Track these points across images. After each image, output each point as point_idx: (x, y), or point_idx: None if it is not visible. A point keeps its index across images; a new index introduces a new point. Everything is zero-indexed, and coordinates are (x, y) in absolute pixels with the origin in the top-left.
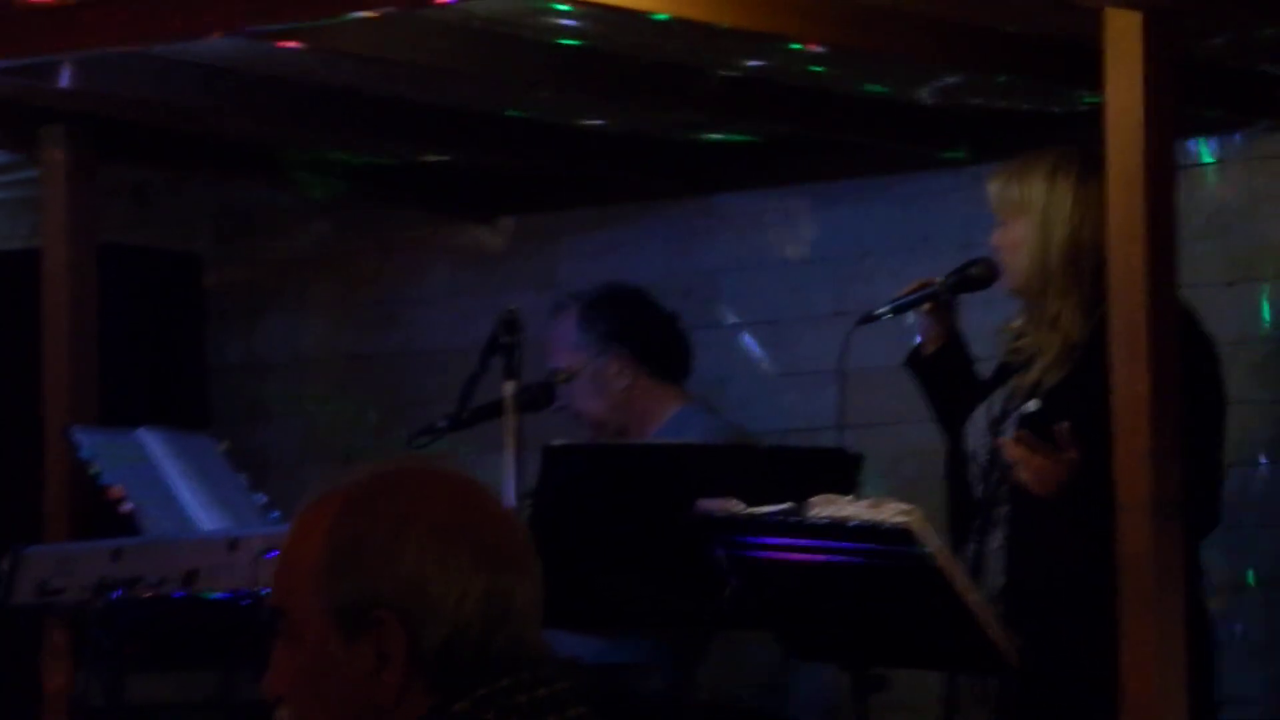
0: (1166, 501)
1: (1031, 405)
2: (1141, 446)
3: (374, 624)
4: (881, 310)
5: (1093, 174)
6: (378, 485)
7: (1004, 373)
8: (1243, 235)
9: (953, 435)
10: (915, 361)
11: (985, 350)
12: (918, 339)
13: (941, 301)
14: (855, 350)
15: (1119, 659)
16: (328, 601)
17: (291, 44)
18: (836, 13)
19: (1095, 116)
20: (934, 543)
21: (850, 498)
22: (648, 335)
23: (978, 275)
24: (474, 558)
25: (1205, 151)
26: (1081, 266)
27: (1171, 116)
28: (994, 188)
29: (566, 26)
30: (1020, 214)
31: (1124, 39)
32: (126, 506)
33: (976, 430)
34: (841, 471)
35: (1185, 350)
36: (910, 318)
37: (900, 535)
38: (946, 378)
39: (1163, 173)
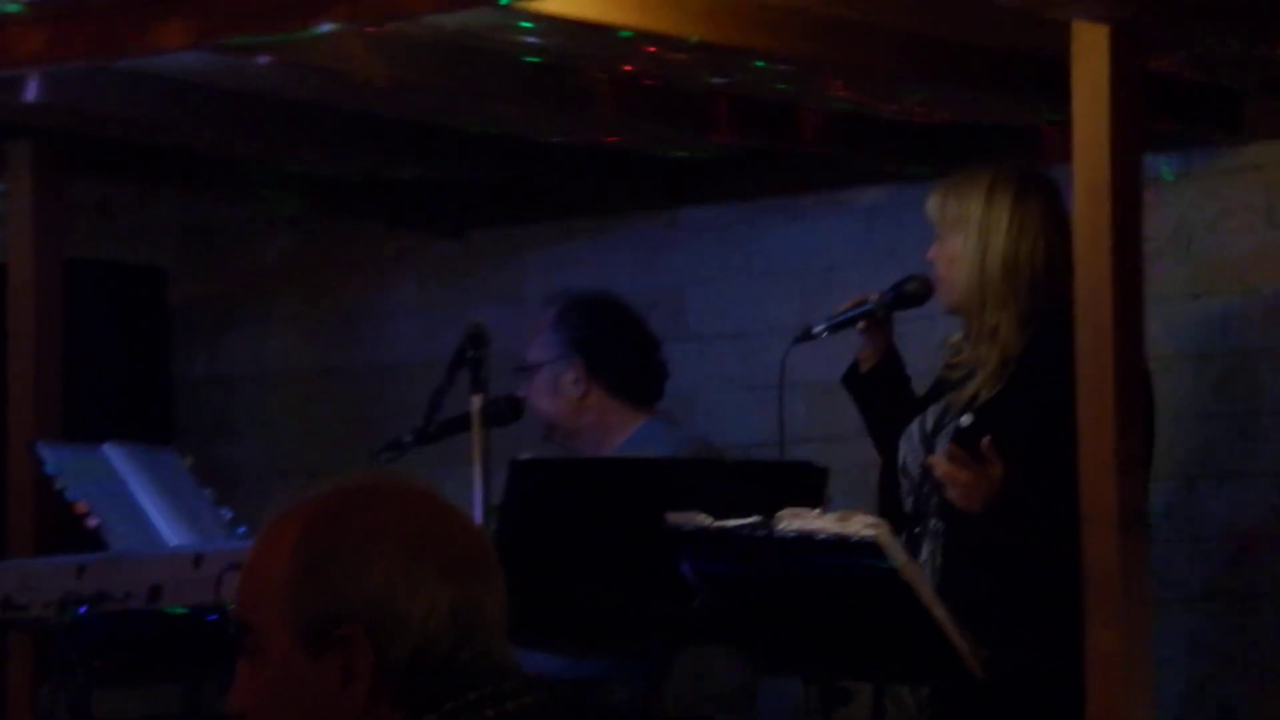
0: (1132, 513)
1: (965, 420)
2: (1107, 459)
3: (340, 639)
4: (818, 328)
5: (1030, 190)
6: (342, 500)
7: (940, 388)
8: (1206, 250)
9: (885, 451)
10: (851, 379)
11: (926, 366)
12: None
13: (878, 319)
14: (820, 363)
15: (1084, 669)
16: (293, 616)
17: (258, 58)
18: (803, 27)
19: (1061, 130)
20: (901, 556)
21: (817, 511)
22: (613, 353)
23: (913, 292)
24: (440, 571)
25: (1168, 167)
26: (1018, 280)
27: (1138, 130)
28: (932, 203)
29: (532, 42)
30: (958, 229)
31: (1091, 53)
32: (92, 522)
33: (910, 444)
34: (808, 485)
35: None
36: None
37: (868, 548)
38: (882, 394)
39: (1129, 186)
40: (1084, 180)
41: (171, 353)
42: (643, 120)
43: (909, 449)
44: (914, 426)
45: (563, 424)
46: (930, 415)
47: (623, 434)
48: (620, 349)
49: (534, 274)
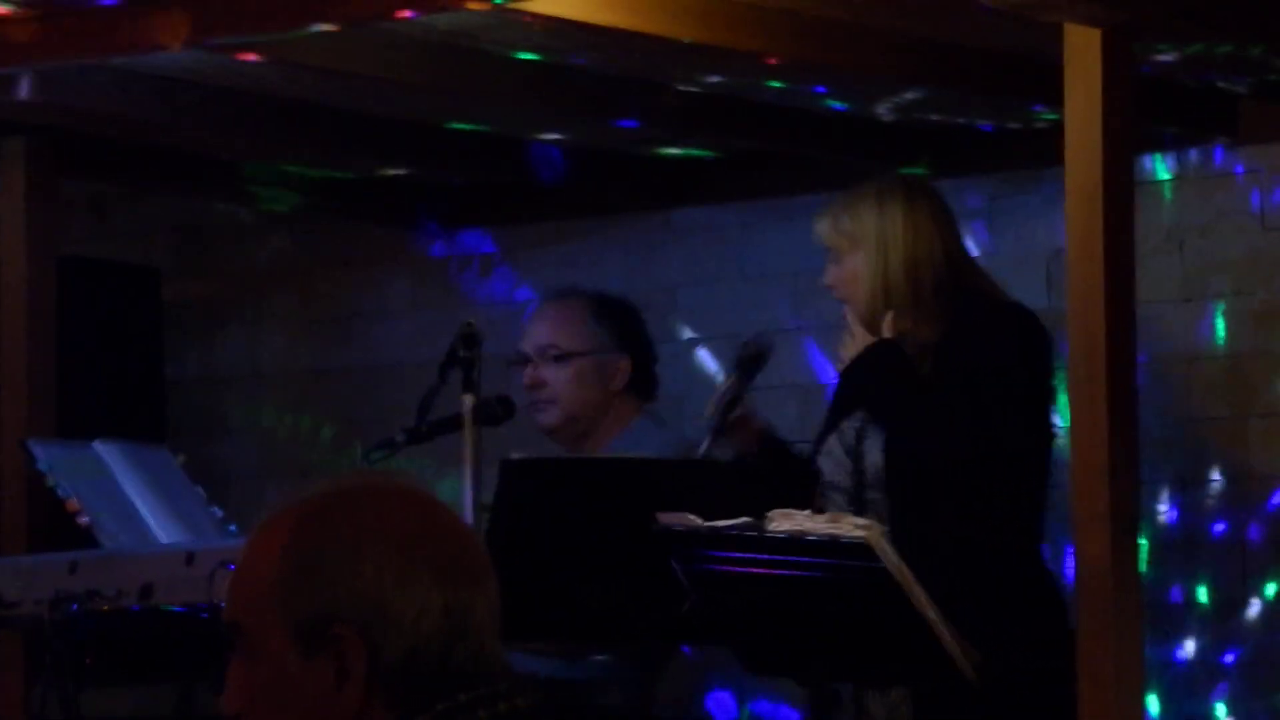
0: (1124, 515)
1: None
2: (1100, 461)
3: (333, 639)
4: (707, 415)
5: (917, 195)
6: (334, 500)
7: (844, 401)
8: (1198, 252)
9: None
10: (746, 469)
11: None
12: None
13: (743, 399)
14: (810, 365)
15: (1076, 668)
16: (286, 617)
17: (251, 57)
18: (796, 28)
19: (1053, 132)
20: (892, 557)
21: (808, 512)
22: (644, 351)
23: (752, 355)
24: (433, 572)
25: (1161, 168)
26: (922, 283)
27: (1130, 132)
28: (823, 227)
29: (526, 40)
30: (855, 245)
31: (1083, 55)
32: (83, 520)
33: (832, 460)
34: (799, 486)
35: (1008, 340)
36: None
37: (858, 550)
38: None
39: (1121, 188)
40: (1076, 183)
41: (164, 351)
42: (635, 121)
43: (832, 465)
44: (832, 442)
45: (584, 416)
46: (848, 426)
47: (615, 432)
48: (647, 347)
49: (526, 275)
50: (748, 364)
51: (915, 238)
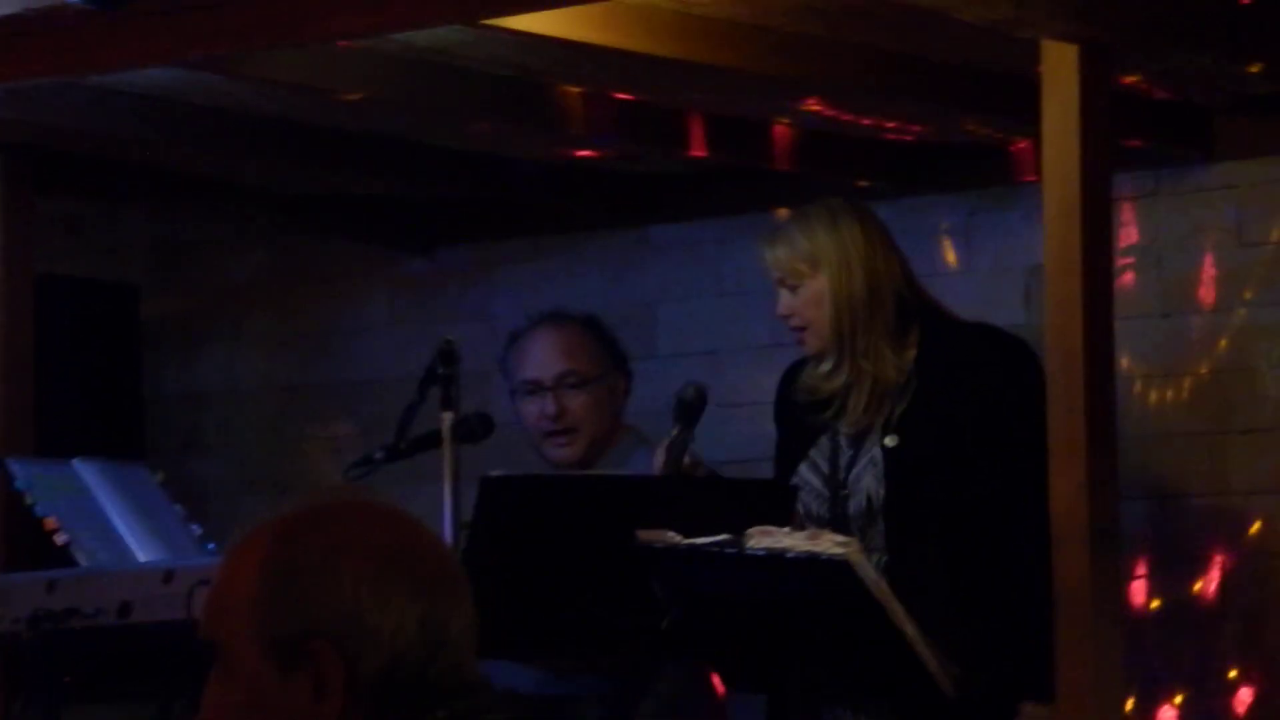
0: (1103, 532)
1: (889, 441)
2: (1078, 477)
3: (310, 655)
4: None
5: (866, 213)
6: (309, 516)
7: (806, 430)
8: (1176, 267)
9: None
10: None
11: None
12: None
13: (689, 447)
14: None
15: (1057, 687)
16: (263, 633)
17: (228, 74)
18: (773, 43)
19: (1030, 148)
20: (871, 574)
21: (787, 529)
22: (629, 369)
23: (689, 401)
24: (410, 586)
25: (1138, 184)
26: (883, 300)
27: (1107, 148)
28: (779, 253)
29: (503, 57)
30: (816, 267)
31: (1060, 71)
32: (61, 538)
33: (812, 491)
34: (778, 503)
35: (1032, 380)
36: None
37: (838, 567)
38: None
39: (1099, 203)
40: (1054, 199)
41: (142, 369)
42: (613, 136)
43: (811, 495)
44: (805, 473)
45: (599, 441)
46: (819, 456)
47: (604, 453)
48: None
49: (504, 291)
50: (687, 411)
51: (874, 253)
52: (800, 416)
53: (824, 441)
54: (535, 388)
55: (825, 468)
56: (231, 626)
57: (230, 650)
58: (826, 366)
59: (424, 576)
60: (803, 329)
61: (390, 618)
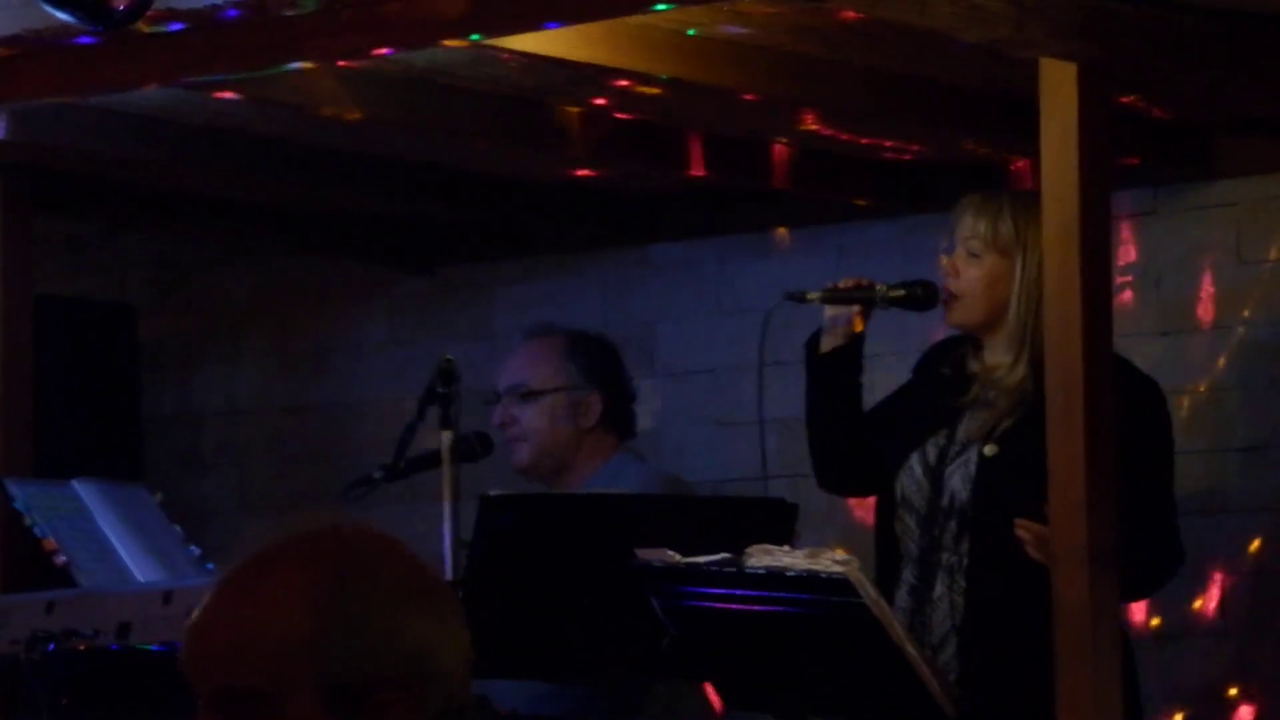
0: (1103, 552)
1: (989, 450)
2: (1077, 497)
3: (379, 707)
4: (812, 295)
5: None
6: (342, 553)
7: (937, 416)
8: (1175, 287)
9: (815, 431)
10: (813, 350)
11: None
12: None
13: (871, 310)
14: (791, 399)
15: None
16: (318, 680)
17: (228, 95)
18: (773, 64)
19: (1029, 168)
20: (871, 593)
21: (786, 547)
22: (620, 388)
23: (923, 297)
24: (455, 615)
25: (1137, 202)
26: (1036, 311)
27: (1106, 167)
28: (983, 225)
29: (503, 77)
30: (1007, 252)
31: (1059, 91)
32: (60, 558)
33: (912, 478)
34: (778, 521)
35: (1131, 395)
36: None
37: (838, 585)
38: (834, 378)
39: (1098, 222)
40: (1053, 218)
41: (141, 389)
42: (614, 156)
43: (910, 482)
44: (913, 460)
45: (555, 454)
46: (930, 448)
47: (593, 468)
48: (624, 383)
49: (503, 310)
50: (913, 298)
51: (1040, 264)
52: (933, 394)
53: (942, 435)
54: (494, 397)
55: (932, 459)
56: (275, 673)
57: (272, 698)
58: (1007, 359)
59: (452, 603)
60: (954, 299)
61: (451, 649)
